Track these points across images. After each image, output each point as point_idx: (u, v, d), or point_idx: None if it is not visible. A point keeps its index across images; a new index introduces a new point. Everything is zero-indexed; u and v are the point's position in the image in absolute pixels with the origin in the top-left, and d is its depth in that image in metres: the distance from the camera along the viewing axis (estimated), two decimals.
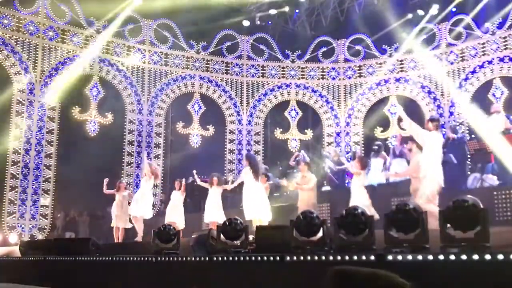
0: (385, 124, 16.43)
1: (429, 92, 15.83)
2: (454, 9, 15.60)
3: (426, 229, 4.43)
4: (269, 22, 18.60)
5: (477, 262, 3.81)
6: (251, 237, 6.05)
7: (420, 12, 16.05)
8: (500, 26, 14.63)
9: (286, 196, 12.26)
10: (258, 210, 9.23)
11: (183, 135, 17.11)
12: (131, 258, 6.91)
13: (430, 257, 4.04)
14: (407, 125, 8.13)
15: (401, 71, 16.50)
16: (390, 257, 4.22)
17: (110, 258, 7.32)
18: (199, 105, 17.36)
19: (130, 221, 11.17)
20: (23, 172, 14.49)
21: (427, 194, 7.33)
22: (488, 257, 3.77)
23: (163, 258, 6.35)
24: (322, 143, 17.07)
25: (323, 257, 4.71)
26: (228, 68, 17.65)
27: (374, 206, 8.24)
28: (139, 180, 13.52)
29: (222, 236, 5.95)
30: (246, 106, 17.50)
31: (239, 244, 5.81)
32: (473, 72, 15.13)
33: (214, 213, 10.56)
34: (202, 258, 6.00)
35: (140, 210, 10.83)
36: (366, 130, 16.72)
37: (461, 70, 15.36)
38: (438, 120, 8.25)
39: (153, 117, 16.76)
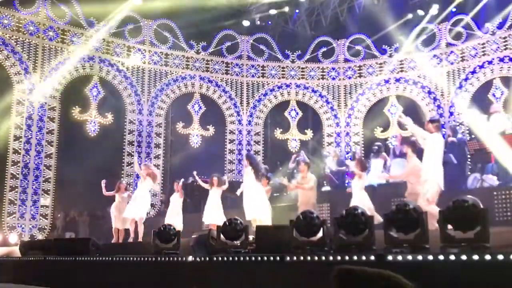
0: (385, 124, 16.43)
1: (429, 93, 15.83)
2: (454, 9, 15.61)
3: (426, 229, 4.43)
4: (269, 22, 18.60)
5: (477, 262, 3.81)
6: (251, 237, 6.05)
7: (420, 12, 16.05)
8: (500, 26, 14.63)
9: (286, 196, 12.26)
10: (258, 211, 9.23)
11: (183, 135, 17.11)
12: (131, 258, 6.92)
13: (430, 257, 4.04)
14: (409, 126, 8.18)
15: (401, 71, 16.50)
16: (390, 257, 4.22)
17: (110, 258, 7.33)
18: (199, 105, 17.36)
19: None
20: (23, 172, 14.49)
21: (428, 197, 7.32)
22: (488, 257, 3.78)
23: (163, 258, 6.36)
24: (322, 144, 17.06)
25: (323, 257, 4.72)
26: (228, 68, 17.65)
27: (374, 206, 8.26)
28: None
29: (222, 236, 5.95)
30: (246, 106, 17.50)
31: (239, 244, 5.81)
32: (473, 72, 15.13)
33: (213, 214, 10.54)
34: (202, 258, 6.00)
35: (132, 212, 10.63)
36: (366, 131, 16.71)
37: (461, 70, 15.36)
38: (438, 120, 8.25)
39: (153, 117, 16.76)
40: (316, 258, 4.76)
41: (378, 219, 6.26)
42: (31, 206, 14.48)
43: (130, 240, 10.67)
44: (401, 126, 13.87)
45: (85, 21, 15.85)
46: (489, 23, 14.74)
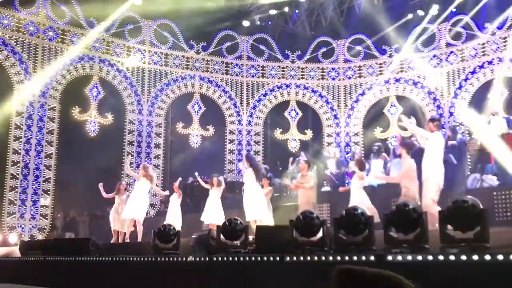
0: (385, 124, 16.43)
1: (429, 93, 15.83)
2: (454, 10, 15.60)
3: (426, 229, 4.43)
4: (269, 23, 18.61)
5: (476, 263, 3.81)
6: (251, 237, 6.05)
7: (420, 12, 16.05)
8: (500, 26, 14.63)
9: (286, 196, 12.26)
10: (258, 212, 9.22)
11: (183, 136, 17.11)
12: (131, 258, 6.91)
13: (430, 257, 4.04)
14: (410, 127, 8.19)
15: (401, 71, 16.50)
16: (389, 257, 4.22)
17: (110, 258, 7.32)
18: (199, 105, 17.36)
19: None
20: (23, 173, 14.49)
21: (430, 197, 7.31)
22: (487, 257, 3.77)
23: (163, 258, 6.36)
24: (322, 144, 17.06)
25: (323, 257, 4.72)
26: (228, 69, 17.65)
27: (374, 206, 8.26)
28: None
29: (222, 236, 5.95)
30: (246, 106, 17.50)
31: (239, 244, 5.81)
32: (473, 72, 15.14)
33: (213, 214, 10.54)
34: (202, 258, 6.00)
35: (130, 212, 10.52)
36: (366, 131, 16.71)
37: (461, 71, 15.36)
38: (439, 119, 8.27)
39: (153, 118, 16.76)
40: (316, 258, 4.76)
41: (377, 217, 6.27)
42: (31, 206, 14.48)
43: (127, 240, 10.63)
44: (401, 126, 13.87)
45: (85, 21, 15.85)
46: (489, 24, 14.74)
